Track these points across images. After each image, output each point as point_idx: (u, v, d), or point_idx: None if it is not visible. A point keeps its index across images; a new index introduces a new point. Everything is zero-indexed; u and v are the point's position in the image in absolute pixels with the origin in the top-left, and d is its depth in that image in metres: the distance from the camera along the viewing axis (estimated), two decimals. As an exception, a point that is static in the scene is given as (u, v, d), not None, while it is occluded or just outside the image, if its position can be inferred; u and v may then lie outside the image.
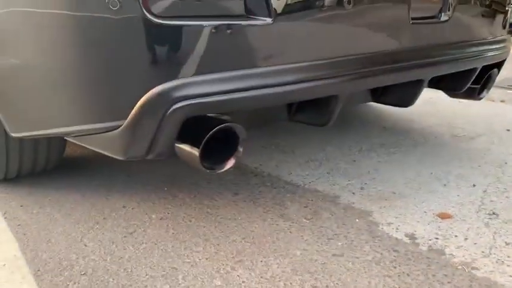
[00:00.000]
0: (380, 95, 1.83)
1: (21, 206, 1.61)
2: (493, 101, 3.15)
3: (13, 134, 1.42)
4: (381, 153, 2.11)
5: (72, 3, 1.07)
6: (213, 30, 1.07)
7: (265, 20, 1.13)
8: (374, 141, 2.28)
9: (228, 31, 1.09)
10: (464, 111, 2.84)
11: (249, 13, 1.12)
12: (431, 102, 3.02)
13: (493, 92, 3.32)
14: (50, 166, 1.79)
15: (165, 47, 1.06)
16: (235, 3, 1.10)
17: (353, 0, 1.26)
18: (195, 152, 1.15)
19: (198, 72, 1.09)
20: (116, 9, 1.02)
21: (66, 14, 1.08)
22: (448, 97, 2.24)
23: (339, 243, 1.38)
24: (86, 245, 1.37)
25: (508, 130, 2.48)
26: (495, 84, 2.74)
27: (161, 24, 1.03)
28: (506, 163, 2.00)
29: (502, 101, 3.18)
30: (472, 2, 1.76)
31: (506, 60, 2.10)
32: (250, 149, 2.15)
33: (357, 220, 1.51)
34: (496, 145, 2.23)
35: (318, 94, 1.33)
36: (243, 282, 1.20)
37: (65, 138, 1.36)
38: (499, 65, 2.04)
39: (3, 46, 1.27)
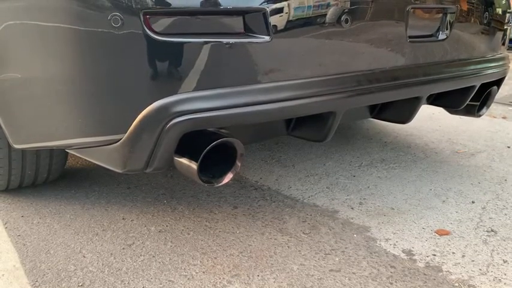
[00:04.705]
0: (378, 111, 1.84)
1: (22, 216, 1.63)
2: (495, 117, 3.16)
3: (15, 146, 1.44)
4: (380, 169, 2.11)
5: (75, 19, 1.10)
6: (212, 48, 1.10)
7: (263, 38, 1.15)
8: (374, 156, 2.29)
9: (227, 48, 1.12)
10: (466, 128, 2.85)
11: (247, 31, 1.14)
12: (433, 118, 3.03)
13: (495, 109, 3.33)
14: (51, 177, 1.81)
15: (165, 63, 1.08)
16: (234, 21, 1.13)
17: (350, 18, 1.29)
18: (193, 165, 1.16)
19: (196, 88, 1.11)
20: (118, 26, 1.05)
21: (68, 29, 1.11)
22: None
23: (336, 259, 1.38)
24: (84, 256, 1.38)
25: (509, 147, 2.48)
26: (497, 100, 2.74)
27: (162, 41, 1.06)
28: (506, 180, 2.00)
29: (503, 118, 3.18)
30: (471, 20, 1.78)
31: (508, 77, 2.11)
32: (251, 163, 2.16)
33: (355, 235, 1.52)
34: (497, 162, 2.23)
35: (315, 110, 1.34)
36: (239, 296, 1.21)
37: (66, 150, 1.39)
38: (498, 82, 2.05)
39: (6, 59, 1.29)
